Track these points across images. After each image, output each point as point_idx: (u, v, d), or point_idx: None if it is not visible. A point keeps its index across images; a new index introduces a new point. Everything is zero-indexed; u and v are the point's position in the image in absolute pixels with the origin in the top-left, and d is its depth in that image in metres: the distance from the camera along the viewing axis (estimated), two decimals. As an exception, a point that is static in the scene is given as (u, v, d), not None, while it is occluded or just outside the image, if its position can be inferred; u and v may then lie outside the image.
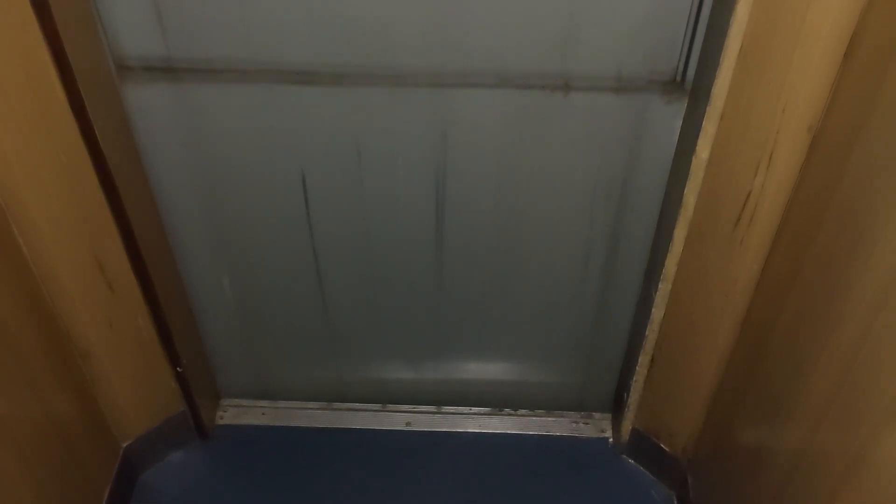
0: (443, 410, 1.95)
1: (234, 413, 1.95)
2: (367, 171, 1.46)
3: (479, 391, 1.92)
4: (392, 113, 1.37)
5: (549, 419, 1.94)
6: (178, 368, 1.69)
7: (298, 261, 1.62)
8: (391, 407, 1.96)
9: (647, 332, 1.57)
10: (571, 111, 1.35)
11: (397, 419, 1.94)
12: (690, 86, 1.29)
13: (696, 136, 1.25)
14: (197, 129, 1.39)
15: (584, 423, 1.93)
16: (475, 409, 1.95)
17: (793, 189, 1.21)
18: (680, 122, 1.34)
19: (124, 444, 1.74)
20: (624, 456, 1.87)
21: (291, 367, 1.89)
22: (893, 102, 0.93)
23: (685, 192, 1.32)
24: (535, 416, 1.95)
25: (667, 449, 1.75)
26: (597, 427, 1.93)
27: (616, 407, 1.89)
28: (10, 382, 1.30)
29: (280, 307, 1.74)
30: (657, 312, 1.53)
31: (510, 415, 1.95)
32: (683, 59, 1.27)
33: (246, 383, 1.93)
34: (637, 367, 1.65)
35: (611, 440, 1.90)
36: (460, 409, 1.95)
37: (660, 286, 1.47)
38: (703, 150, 1.25)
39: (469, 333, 1.78)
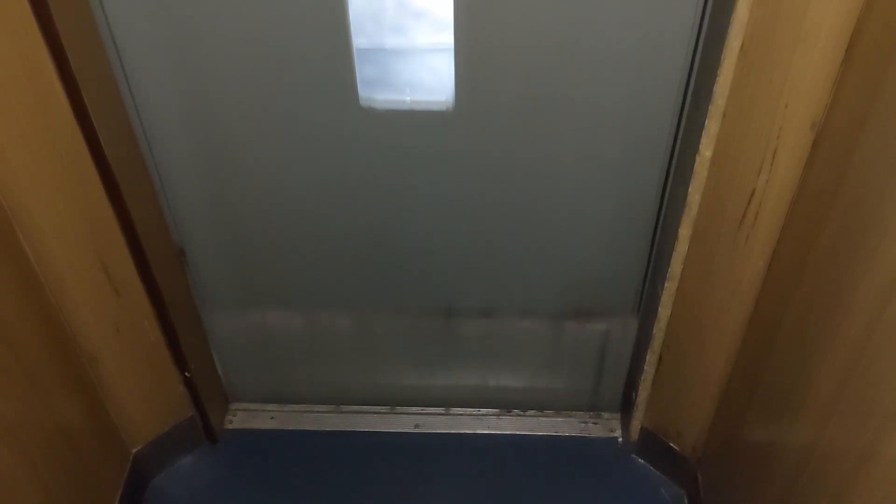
0: (451, 412, 1.95)
1: (243, 417, 1.95)
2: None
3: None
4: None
5: (558, 419, 1.94)
6: (185, 373, 1.69)
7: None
8: (400, 409, 1.96)
9: (654, 331, 1.57)
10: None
11: (406, 421, 1.94)
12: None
13: (700, 135, 1.24)
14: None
15: (593, 423, 1.93)
16: (484, 411, 1.95)
17: (797, 186, 1.21)
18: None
19: (134, 450, 1.74)
20: (633, 455, 1.86)
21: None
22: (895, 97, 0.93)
23: (689, 190, 1.31)
24: (543, 416, 1.94)
25: (676, 447, 1.74)
26: (606, 427, 1.93)
27: (625, 406, 1.88)
28: (18, 388, 1.30)
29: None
30: (664, 311, 1.52)
31: (519, 416, 1.94)
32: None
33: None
34: (645, 367, 1.65)
35: (620, 440, 1.90)
36: (469, 410, 1.95)
37: (666, 285, 1.47)
38: (706, 148, 1.25)
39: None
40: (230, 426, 1.93)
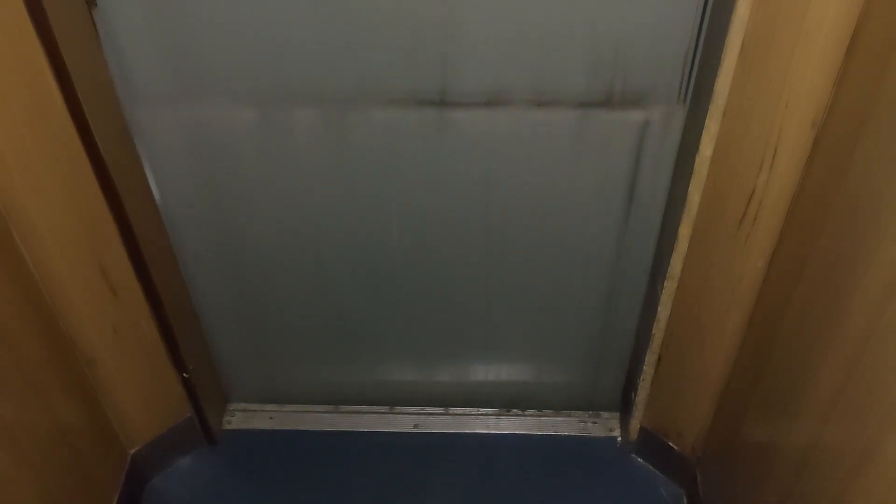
0: (450, 412, 1.95)
1: (242, 418, 1.95)
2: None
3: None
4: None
5: (558, 419, 1.93)
6: (184, 374, 1.69)
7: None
8: (399, 409, 1.95)
9: (653, 331, 1.56)
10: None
11: (405, 421, 1.94)
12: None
13: (700, 134, 1.24)
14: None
15: (592, 423, 1.93)
16: (483, 410, 1.95)
17: (797, 185, 1.21)
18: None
19: (132, 451, 1.74)
20: (633, 455, 1.86)
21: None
22: (896, 97, 0.92)
23: (689, 190, 1.31)
24: (543, 416, 1.94)
25: (675, 447, 1.74)
26: (605, 426, 1.92)
27: (624, 406, 1.88)
28: (16, 390, 1.30)
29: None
30: (663, 311, 1.52)
31: (518, 415, 1.94)
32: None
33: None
34: (644, 366, 1.64)
35: (619, 439, 1.89)
36: (468, 410, 1.95)
37: (666, 285, 1.47)
38: (706, 147, 1.25)
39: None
40: (228, 427, 1.93)
